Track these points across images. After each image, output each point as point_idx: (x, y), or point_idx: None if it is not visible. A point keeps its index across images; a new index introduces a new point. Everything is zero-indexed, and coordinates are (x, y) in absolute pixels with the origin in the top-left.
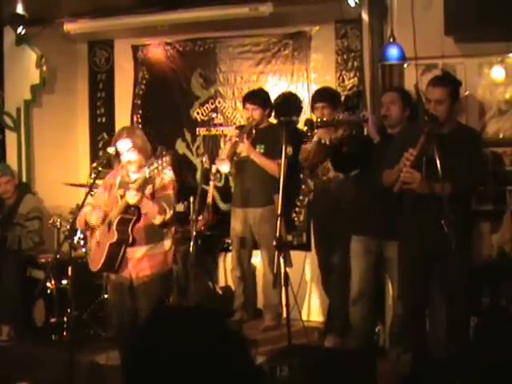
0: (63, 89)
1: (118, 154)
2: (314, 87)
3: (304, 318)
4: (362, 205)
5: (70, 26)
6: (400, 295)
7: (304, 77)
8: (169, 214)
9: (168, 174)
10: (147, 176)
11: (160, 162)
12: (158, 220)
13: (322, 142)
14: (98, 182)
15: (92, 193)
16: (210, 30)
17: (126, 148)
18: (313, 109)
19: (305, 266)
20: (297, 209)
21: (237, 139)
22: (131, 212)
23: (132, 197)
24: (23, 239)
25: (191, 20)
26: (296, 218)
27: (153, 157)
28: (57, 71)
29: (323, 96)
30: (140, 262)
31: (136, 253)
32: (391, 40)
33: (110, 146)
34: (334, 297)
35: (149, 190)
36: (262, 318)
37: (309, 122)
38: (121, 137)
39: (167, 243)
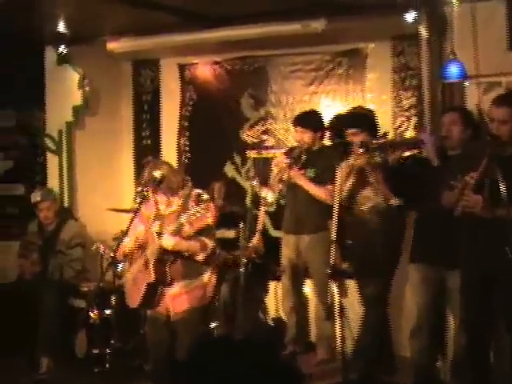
0: (107, 110)
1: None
2: (371, 107)
3: None
4: (421, 231)
5: (113, 45)
6: (462, 326)
7: (359, 97)
8: (210, 247)
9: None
10: (184, 222)
11: (199, 208)
12: (201, 257)
13: (357, 167)
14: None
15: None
16: (259, 48)
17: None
18: (346, 134)
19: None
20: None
21: (284, 165)
22: (169, 252)
23: (168, 243)
24: (65, 268)
25: (240, 37)
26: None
27: (190, 202)
28: (100, 92)
29: (355, 121)
30: (178, 297)
31: (174, 289)
32: (451, 57)
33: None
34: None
35: (187, 230)
36: (315, 352)
37: (364, 144)
38: (144, 176)
39: (206, 276)
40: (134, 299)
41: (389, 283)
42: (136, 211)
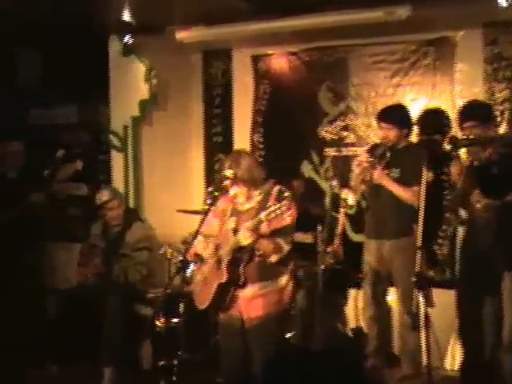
0: (175, 105)
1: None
2: (459, 102)
3: (447, 366)
4: None
5: (182, 35)
6: None
7: (448, 90)
8: (285, 250)
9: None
10: (263, 220)
11: (279, 205)
12: (273, 258)
13: (474, 163)
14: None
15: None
16: (339, 38)
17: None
18: (461, 128)
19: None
20: (439, 240)
21: (367, 165)
22: (244, 251)
23: (245, 238)
24: (130, 272)
25: (318, 26)
26: (438, 251)
27: (270, 198)
28: (168, 85)
29: (472, 114)
30: (252, 301)
31: (247, 291)
32: None
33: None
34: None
35: (265, 228)
36: (398, 366)
37: (452, 141)
38: (224, 166)
39: (283, 280)
40: (203, 300)
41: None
42: (206, 213)
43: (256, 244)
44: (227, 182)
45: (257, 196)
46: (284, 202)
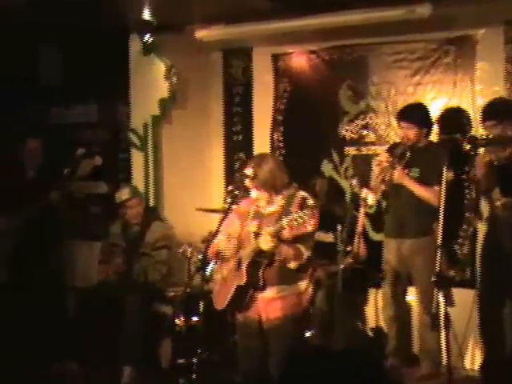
0: (195, 103)
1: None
2: (480, 101)
3: (467, 366)
4: None
5: (202, 33)
6: None
7: (468, 89)
8: (305, 256)
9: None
10: (284, 226)
11: (302, 214)
12: (293, 265)
13: (494, 163)
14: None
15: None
16: (360, 36)
17: (249, 183)
18: (483, 127)
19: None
20: (459, 240)
21: (386, 164)
22: (264, 255)
23: (266, 243)
24: (150, 271)
25: (339, 25)
26: (459, 251)
27: (293, 204)
28: (188, 84)
29: (493, 113)
30: (271, 303)
31: (266, 293)
32: None
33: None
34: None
35: (286, 233)
36: (418, 365)
37: (471, 141)
38: (246, 167)
39: (303, 284)
40: (221, 300)
41: None
42: (226, 212)
43: (276, 249)
44: (247, 181)
45: (279, 200)
46: (306, 211)
